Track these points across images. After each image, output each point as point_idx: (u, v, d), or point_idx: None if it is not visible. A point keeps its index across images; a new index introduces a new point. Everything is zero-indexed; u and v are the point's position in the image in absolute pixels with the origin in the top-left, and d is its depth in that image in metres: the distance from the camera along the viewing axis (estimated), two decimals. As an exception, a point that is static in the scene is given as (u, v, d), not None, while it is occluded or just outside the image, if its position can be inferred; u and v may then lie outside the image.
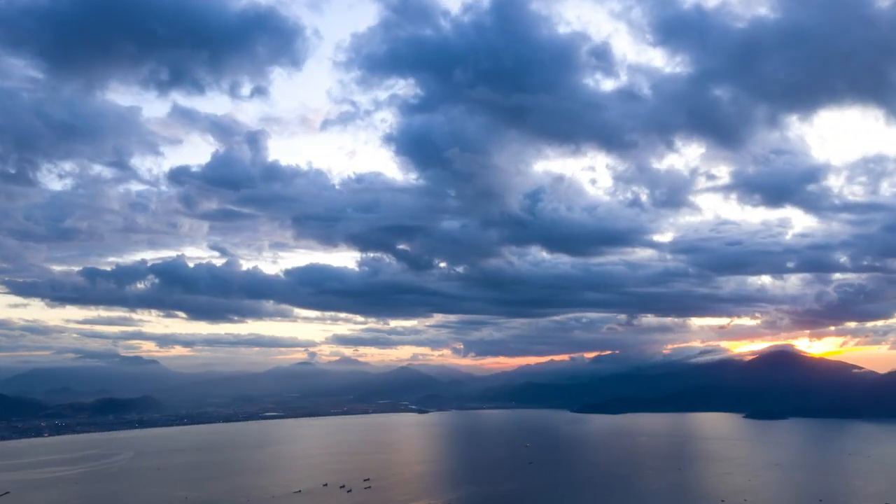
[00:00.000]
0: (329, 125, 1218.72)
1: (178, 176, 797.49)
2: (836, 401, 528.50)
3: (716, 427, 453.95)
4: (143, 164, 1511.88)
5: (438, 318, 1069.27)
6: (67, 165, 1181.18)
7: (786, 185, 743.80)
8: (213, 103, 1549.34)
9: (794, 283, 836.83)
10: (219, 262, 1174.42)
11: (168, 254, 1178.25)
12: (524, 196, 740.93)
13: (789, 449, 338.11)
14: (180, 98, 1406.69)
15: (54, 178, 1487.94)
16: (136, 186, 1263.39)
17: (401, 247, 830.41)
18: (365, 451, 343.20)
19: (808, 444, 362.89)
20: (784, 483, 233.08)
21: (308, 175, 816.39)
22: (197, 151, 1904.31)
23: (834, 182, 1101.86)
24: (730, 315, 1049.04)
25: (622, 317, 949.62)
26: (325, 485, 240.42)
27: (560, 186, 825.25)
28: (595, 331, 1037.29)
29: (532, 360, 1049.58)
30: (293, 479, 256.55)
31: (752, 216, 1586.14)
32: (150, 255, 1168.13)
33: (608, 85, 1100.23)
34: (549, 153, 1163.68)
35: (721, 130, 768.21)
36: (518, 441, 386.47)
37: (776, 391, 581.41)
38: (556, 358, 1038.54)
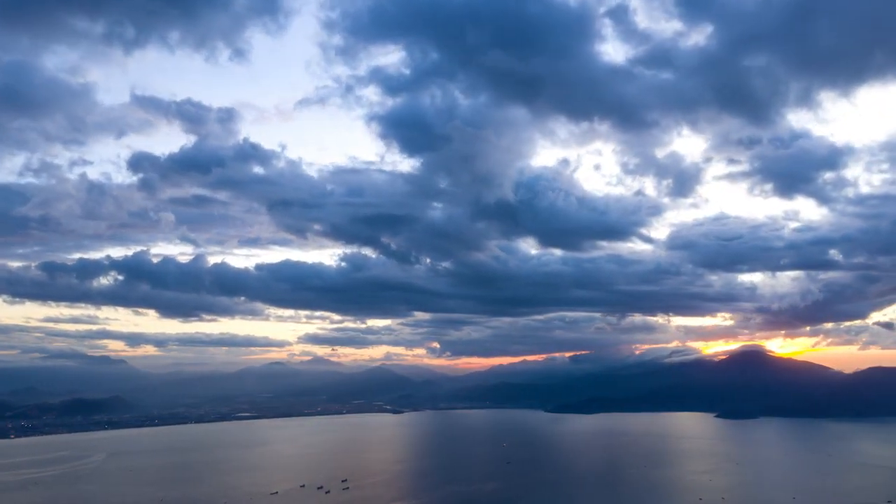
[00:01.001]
0: (308, 103, 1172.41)
1: (142, 162, 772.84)
2: (804, 401, 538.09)
3: (689, 427, 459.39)
4: (103, 147, 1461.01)
5: (416, 316, 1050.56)
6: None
7: (801, 172, 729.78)
8: (185, 70, 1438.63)
9: (783, 281, 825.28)
10: (187, 256, 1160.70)
11: (136, 248, 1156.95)
12: (522, 183, 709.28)
13: (762, 448, 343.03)
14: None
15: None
16: (95, 172, 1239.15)
17: (384, 239, 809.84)
18: (341, 451, 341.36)
19: (780, 443, 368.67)
20: (759, 481, 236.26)
21: (285, 158, 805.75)
22: (165, 133, 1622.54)
23: (852, 171, 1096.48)
24: (713, 313, 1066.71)
25: (606, 316, 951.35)
26: (303, 486, 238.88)
27: (563, 173, 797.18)
28: (573, 330, 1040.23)
29: (506, 361, 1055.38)
30: (269, 480, 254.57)
31: (760, 208, 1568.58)
32: (116, 250, 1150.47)
33: (625, 54, 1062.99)
34: (557, 134, 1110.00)
35: (750, 107, 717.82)
36: (494, 441, 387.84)
37: (746, 391, 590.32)
38: (530, 358, 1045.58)
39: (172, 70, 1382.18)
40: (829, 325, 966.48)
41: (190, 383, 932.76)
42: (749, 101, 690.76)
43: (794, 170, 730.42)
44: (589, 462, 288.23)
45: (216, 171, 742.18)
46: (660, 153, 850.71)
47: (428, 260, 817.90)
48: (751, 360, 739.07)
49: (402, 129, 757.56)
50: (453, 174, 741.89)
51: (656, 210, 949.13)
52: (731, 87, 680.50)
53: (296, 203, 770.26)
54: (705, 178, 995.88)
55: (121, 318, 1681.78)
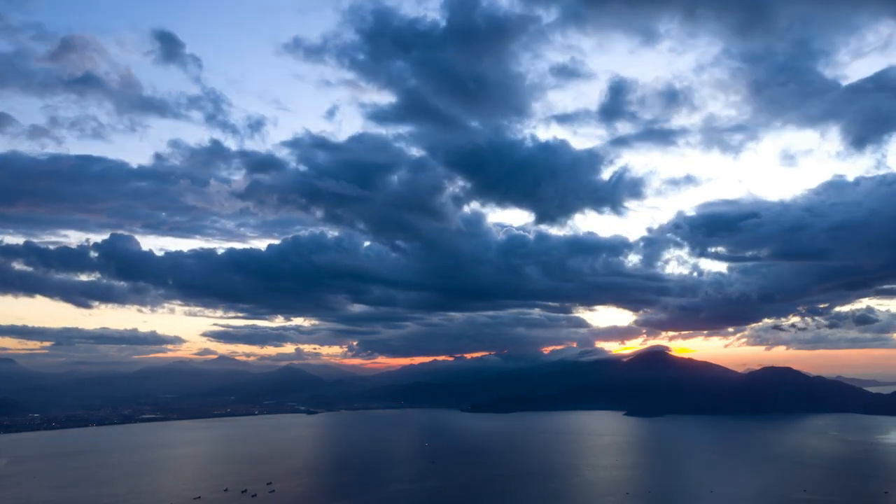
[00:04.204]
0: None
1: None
2: (706, 399, 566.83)
3: (603, 425, 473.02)
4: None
5: (324, 315, 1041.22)
6: None
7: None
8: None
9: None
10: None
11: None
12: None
13: (674, 444, 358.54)
14: None
15: None
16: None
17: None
18: (260, 453, 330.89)
19: (690, 440, 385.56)
20: (678, 475, 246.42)
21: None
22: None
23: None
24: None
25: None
26: (226, 490, 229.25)
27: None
28: (484, 330, 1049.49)
29: (416, 361, 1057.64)
30: (189, 483, 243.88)
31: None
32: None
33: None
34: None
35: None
36: (414, 440, 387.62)
37: (652, 390, 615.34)
38: (440, 358, 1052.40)
39: None
40: (756, 325, 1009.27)
41: (85, 384, 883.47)
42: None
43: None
44: (516, 460, 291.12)
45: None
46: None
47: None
48: (655, 360, 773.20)
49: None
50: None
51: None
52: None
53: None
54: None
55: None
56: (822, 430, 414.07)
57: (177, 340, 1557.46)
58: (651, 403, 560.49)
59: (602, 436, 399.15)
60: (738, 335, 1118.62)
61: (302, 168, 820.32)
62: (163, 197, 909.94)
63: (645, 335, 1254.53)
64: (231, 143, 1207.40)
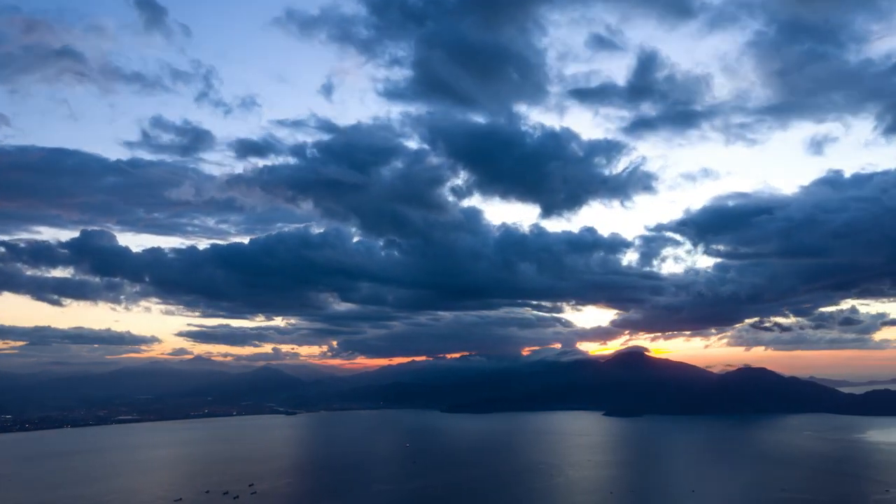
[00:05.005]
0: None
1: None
2: (682, 399, 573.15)
3: (583, 425, 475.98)
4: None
5: (309, 314, 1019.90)
6: None
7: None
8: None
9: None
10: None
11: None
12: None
13: (653, 444, 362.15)
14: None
15: None
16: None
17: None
18: (241, 454, 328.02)
19: (669, 440, 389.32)
20: (659, 475, 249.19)
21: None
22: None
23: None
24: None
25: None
26: (208, 491, 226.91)
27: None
28: (464, 330, 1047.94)
29: (395, 361, 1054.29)
30: (169, 484, 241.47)
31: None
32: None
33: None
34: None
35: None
36: (395, 441, 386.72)
37: (630, 390, 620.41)
38: (418, 359, 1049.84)
39: None
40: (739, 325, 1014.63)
41: (58, 385, 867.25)
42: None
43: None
44: (497, 460, 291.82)
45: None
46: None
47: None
48: (633, 360, 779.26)
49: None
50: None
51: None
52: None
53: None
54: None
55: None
56: (798, 429, 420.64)
57: (151, 340, 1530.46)
58: (629, 404, 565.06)
59: (582, 436, 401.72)
60: (720, 335, 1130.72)
61: (295, 154, 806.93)
62: (140, 192, 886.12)
63: (628, 335, 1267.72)
64: (217, 124, 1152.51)
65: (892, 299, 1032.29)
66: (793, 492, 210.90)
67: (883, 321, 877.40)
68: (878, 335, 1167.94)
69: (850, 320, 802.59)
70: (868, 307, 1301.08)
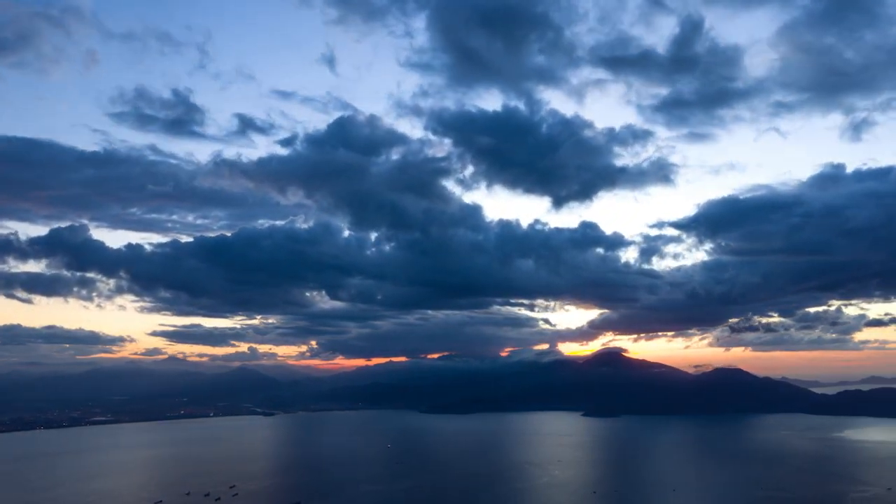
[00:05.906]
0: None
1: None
2: (659, 400, 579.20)
3: (562, 425, 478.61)
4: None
5: (292, 312, 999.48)
6: None
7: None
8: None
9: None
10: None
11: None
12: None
13: (633, 444, 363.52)
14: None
15: None
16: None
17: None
18: (220, 455, 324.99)
19: (648, 440, 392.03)
20: (641, 474, 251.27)
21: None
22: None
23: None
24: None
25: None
26: (188, 493, 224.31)
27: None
28: (440, 330, 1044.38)
29: (372, 362, 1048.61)
30: (148, 486, 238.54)
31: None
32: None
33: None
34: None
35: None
36: (376, 442, 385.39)
37: (608, 391, 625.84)
38: (396, 359, 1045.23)
39: None
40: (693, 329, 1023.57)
41: (29, 386, 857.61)
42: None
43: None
44: (482, 461, 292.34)
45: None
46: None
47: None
48: (610, 361, 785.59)
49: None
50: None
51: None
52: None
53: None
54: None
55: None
56: (772, 429, 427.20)
57: (125, 340, 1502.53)
58: (607, 404, 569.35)
59: (563, 436, 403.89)
60: (701, 336, 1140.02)
61: (286, 142, 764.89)
62: (116, 184, 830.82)
63: (611, 336, 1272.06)
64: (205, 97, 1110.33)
65: (875, 300, 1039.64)
66: (771, 490, 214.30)
67: (865, 322, 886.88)
68: (859, 336, 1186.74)
69: (834, 321, 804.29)
70: (852, 308, 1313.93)
